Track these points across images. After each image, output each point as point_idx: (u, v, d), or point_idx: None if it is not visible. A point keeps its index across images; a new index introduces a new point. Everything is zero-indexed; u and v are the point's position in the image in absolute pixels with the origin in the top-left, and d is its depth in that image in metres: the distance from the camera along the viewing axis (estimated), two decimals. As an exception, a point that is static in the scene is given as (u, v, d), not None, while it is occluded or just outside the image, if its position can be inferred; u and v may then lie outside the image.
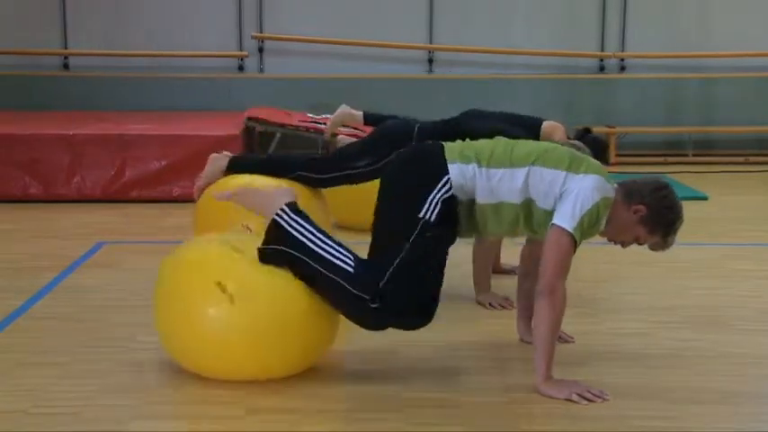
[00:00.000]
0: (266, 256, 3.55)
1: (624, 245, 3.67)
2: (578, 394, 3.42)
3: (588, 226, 3.47)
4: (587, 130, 5.04)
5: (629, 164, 8.95)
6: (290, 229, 3.54)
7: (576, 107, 9.19)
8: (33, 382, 3.58)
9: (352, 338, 4.09)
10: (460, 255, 5.22)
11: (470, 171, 3.55)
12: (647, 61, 9.71)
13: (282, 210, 3.57)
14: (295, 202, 3.63)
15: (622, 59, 9.75)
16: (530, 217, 3.56)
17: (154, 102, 9.17)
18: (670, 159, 9.32)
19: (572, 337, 4.07)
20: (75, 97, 9.15)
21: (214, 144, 7.36)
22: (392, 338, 4.12)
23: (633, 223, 3.56)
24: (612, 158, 8.81)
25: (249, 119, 8.02)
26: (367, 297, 3.47)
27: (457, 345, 4.05)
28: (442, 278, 3.61)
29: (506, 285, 4.72)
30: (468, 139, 3.77)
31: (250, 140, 8.23)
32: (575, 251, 3.49)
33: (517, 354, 3.92)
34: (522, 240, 4.15)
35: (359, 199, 5.01)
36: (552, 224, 3.48)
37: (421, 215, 3.49)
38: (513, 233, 3.68)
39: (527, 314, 3.95)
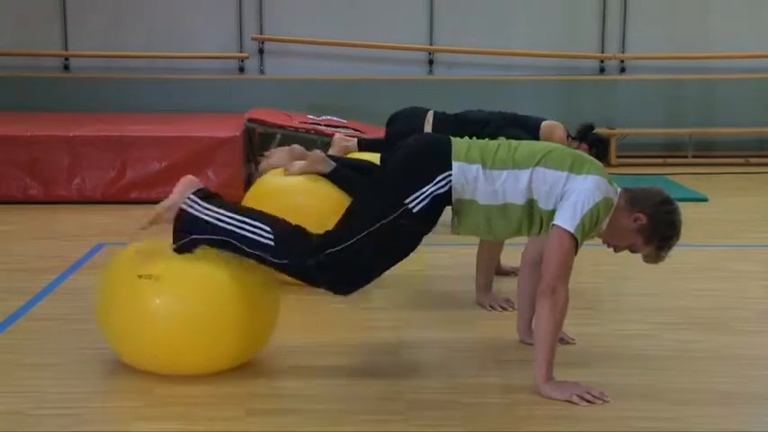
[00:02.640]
0: (181, 248, 3.61)
1: (617, 249, 3.68)
2: (579, 396, 3.42)
3: (590, 227, 3.48)
4: (590, 128, 5.04)
5: (629, 165, 8.95)
6: (198, 214, 3.58)
7: (576, 108, 9.18)
8: (34, 383, 3.58)
9: (352, 340, 4.10)
10: (458, 257, 5.23)
11: (473, 172, 3.54)
12: (647, 62, 9.71)
13: (189, 198, 3.61)
14: (203, 188, 3.67)
15: (622, 61, 9.75)
16: (533, 217, 3.57)
17: (154, 103, 9.17)
18: (670, 161, 9.33)
19: (573, 339, 4.07)
20: (76, 98, 9.16)
21: (214, 145, 7.39)
22: (393, 340, 4.13)
23: (631, 230, 3.57)
24: (613, 160, 8.85)
25: (249, 120, 8.02)
26: (296, 261, 3.52)
27: (457, 346, 4.05)
28: (388, 268, 3.66)
29: (507, 286, 4.72)
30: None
31: (250, 142, 8.22)
32: (576, 252, 3.49)
33: (517, 355, 3.92)
34: (524, 241, 4.15)
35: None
36: (553, 225, 3.48)
37: (407, 202, 3.50)
38: (518, 233, 3.68)
39: (527, 315, 3.96)
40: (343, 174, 5.00)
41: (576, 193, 3.47)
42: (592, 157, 3.70)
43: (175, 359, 3.57)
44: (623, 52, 9.72)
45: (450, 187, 3.52)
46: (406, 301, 4.66)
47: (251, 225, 3.56)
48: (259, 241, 3.53)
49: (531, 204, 3.54)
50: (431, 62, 9.67)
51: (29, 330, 4.22)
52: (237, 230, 3.55)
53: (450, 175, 3.53)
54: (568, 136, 5.00)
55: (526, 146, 3.66)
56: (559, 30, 9.67)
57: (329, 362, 3.84)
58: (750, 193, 8.02)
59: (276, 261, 3.55)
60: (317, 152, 5.01)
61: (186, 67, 9.44)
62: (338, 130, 7.99)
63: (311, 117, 8.38)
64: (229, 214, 3.58)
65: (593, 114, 9.02)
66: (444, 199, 3.54)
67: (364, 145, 5.89)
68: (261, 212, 3.64)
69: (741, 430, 3.33)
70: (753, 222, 6.85)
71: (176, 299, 3.54)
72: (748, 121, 9.54)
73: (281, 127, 8.05)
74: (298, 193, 4.86)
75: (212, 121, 8.12)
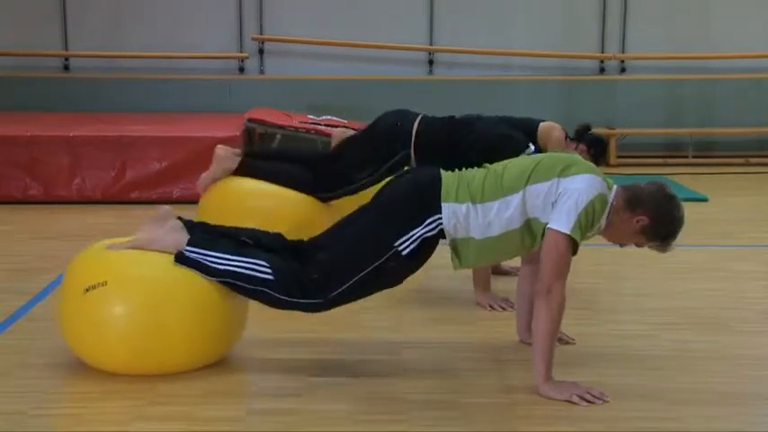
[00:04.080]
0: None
1: (623, 245, 3.71)
2: (578, 396, 3.42)
3: (586, 224, 3.48)
4: (587, 128, 5.04)
5: (629, 165, 8.96)
6: (197, 258, 3.61)
7: (576, 108, 9.18)
8: (34, 383, 3.59)
9: (352, 339, 4.10)
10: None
11: (464, 210, 3.55)
12: (647, 62, 9.71)
13: (186, 250, 3.63)
14: (183, 221, 3.71)
15: (622, 61, 9.75)
16: (532, 233, 3.57)
17: (154, 103, 9.17)
18: (670, 161, 9.33)
19: (572, 339, 4.07)
20: (76, 98, 9.16)
21: (214, 145, 7.36)
22: (393, 340, 4.13)
23: (634, 232, 3.59)
24: (613, 160, 8.85)
25: (249, 120, 8.02)
26: (300, 300, 3.60)
27: (457, 346, 4.05)
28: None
29: (506, 286, 4.73)
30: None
31: (250, 142, 8.23)
32: (576, 252, 3.50)
33: (517, 355, 3.92)
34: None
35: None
36: (548, 228, 3.49)
37: (396, 244, 3.54)
38: (522, 251, 3.72)
39: (526, 315, 3.95)
40: (253, 164, 5.13)
41: (569, 193, 3.47)
42: (582, 158, 3.71)
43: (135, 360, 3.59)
44: (623, 52, 9.72)
45: (440, 230, 3.56)
46: (405, 301, 4.66)
47: (247, 262, 3.60)
48: (258, 277, 3.58)
49: (528, 223, 3.55)
50: (431, 62, 9.67)
51: (29, 330, 4.22)
52: (236, 269, 3.59)
53: (440, 218, 3.55)
54: (567, 137, 5.00)
55: (514, 165, 3.66)
56: (559, 30, 9.67)
57: (329, 362, 3.85)
58: (750, 193, 8.02)
59: (282, 297, 3.59)
60: (218, 147, 5.23)
61: (186, 67, 9.44)
62: (338, 130, 7.99)
63: (311, 117, 8.39)
64: (226, 256, 3.61)
65: (594, 114, 9.02)
66: (433, 241, 3.58)
67: None
68: (257, 250, 3.68)
69: (741, 430, 3.33)
70: (753, 222, 6.85)
71: (128, 303, 3.56)
72: (748, 121, 9.54)
73: (281, 127, 8.06)
74: (264, 197, 5.06)
75: (212, 121, 8.13)
